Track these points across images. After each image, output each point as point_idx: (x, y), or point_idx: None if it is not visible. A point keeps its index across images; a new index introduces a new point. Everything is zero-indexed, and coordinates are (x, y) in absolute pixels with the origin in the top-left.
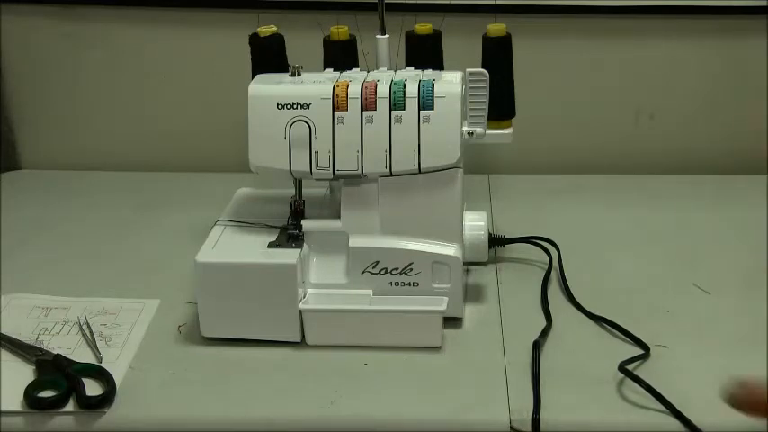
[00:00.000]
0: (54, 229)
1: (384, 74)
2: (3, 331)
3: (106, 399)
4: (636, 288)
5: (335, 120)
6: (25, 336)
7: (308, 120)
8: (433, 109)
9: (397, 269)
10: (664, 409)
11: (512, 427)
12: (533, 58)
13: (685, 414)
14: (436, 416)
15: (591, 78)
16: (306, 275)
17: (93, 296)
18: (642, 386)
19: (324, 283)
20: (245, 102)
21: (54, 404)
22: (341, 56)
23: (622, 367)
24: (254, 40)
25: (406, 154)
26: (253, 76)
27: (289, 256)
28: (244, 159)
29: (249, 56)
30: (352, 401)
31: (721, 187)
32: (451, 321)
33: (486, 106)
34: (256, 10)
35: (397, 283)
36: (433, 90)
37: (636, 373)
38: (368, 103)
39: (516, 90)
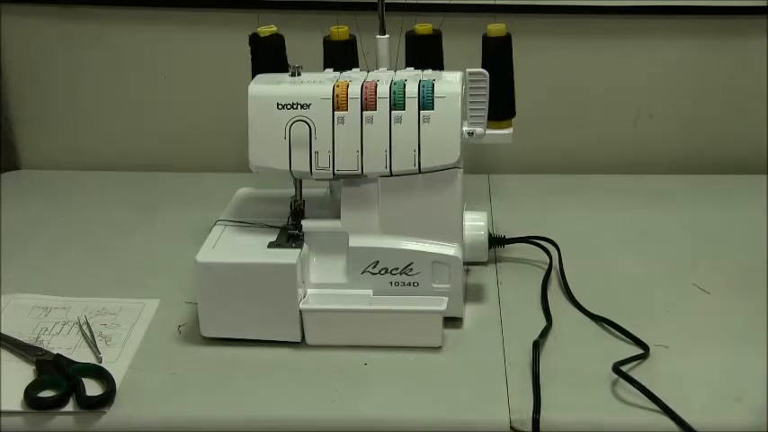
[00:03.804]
0: (54, 229)
1: (384, 74)
2: (3, 331)
3: (106, 399)
4: (636, 288)
5: (335, 120)
6: (25, 336)
7: (307, 120)
8: (433, 109)
9: (397, 269)
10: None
11: (512, 427)
12: (533, 58)
13: (683, 414)
14: (436, 416)
15: (591, 78)
16: (306, 275)
17: (93, 296)
18: (635, 386)
19: (324, 283)
20: (245, 102)
21: (54, 404)
22: (341, 56)
23: (616, 367)
24: (254, 40)
25: (406, 154)
26: (253, 76)
27: (289, 256)
28: (244, 159)
29: (249, 56)
30: (352, 401)
31: (721, 187)
32: (451, 321)
33: (486, 106)
34: (256, 10)
35: (397, 283)
36: (433, 90)
37: (635, 373)
38: (368, 103)
39: (516, 90)
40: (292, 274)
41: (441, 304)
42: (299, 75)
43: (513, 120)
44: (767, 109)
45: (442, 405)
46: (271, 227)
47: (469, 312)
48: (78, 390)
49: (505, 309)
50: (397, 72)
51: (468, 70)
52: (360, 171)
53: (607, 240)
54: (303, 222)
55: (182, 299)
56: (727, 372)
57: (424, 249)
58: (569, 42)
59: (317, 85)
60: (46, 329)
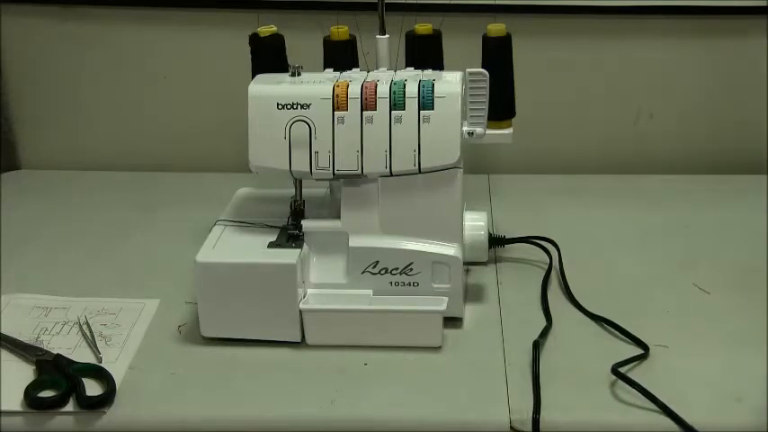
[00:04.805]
0: (54, 229)
1: (384, 74)
2: (3, 331)
3: (106, 399)
4: (636, 288)
5: (335, 120)
6: (25, 336)
7: (307, 120)
8: (433, 109)
9: (397, 269)
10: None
11: (512, 427)
12: (533, 58)
13: (683, 414)
14: (436, 416)
15: (591, 78)
16: (306, 275)
17: (93, 296)
18: (635, 387)
19: (324, 283)
20: (245, 102)
21: (54, 404)
22: (341, 56)
23: (615, 369)
24: (254, 40)
25: (406, 154)
26: (253, 76)
27: (289, 256)
28: (244, 159)
29: (249, 56)
30: (352, 401)
31: (721, 187)
32: (451, 321)
33: (486, 106)
34: (256, 10)
35: (397, 283)
36: (433, 90)
37: (635, 373)
38: (368, 103)
39: (516, 90)
40: (292, 274)
41: (441, 304)
42: (299, 75)
43: (513, 120)
44: (767, 109)
45: (442, 405)
46: (271, 227)
47: (469, 312)
48: (78, 390)
49: (505, 309)
50: (397, 72)
51: (468, 70)
52: (360, 171)
53: (607, 240)
54: (303, 222)
55: (182, 299)
56: (727, 372)
57: (424, 249)
58: (569, 42)
59: (316, 85)
60: (46, 329)
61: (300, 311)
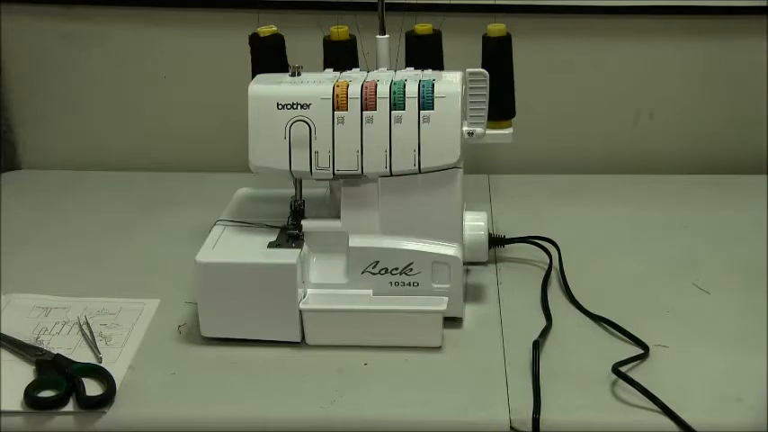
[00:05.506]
0: (54, 229)
1: (384, 74)
2: (3, 331)
3: (106, 399)
4: (636, 288)
5: (335, 120)
6: (25, 336)
7: (307, 120)
8: (433, 109)
9: (397, 269)
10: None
11: (512, 427)
12: (533, 58)
13: (683, 414)
14: (436, 416)
15: (591, 78)
16: (306, 275)
17: (93, 296)
18: (635, 387)
19: (324, 283)
20: (245, 102)
21: (54, 404)
22: (341, 56)
23: (616, 369)
24: (254, 40)
25: (406, 154)
26: (253, 76)
27: (289, 256)
28: (244, 159)
29: (249, 56)
30: (352, 401)
31: (721, 187)
32: (451, 321)
33: (486, 106)
34: (256, 10)
35: (397, 283)
36: (433, 90)
37: (635, 373)
38: (368, 103)
39: (516, 90)
40: (292, 274)
41: (441, 304)
42: (299, 75)
43: (513, 120)
44: (767, 109)
45: (442, 405)
46: (271, 227)
47: (469, 312)
48: (78, 390)
49: (505, 309)
50: (397, 72)
51: (468, 70)
52: (360, 171)
53: (607, 240)
54: (303, 222)
55: (182, 299)
56: (727, 372)
57: (424, 249)
58: (569, 42)
59: (316, 85)
60: (46, 329)
61: (300, 311)
